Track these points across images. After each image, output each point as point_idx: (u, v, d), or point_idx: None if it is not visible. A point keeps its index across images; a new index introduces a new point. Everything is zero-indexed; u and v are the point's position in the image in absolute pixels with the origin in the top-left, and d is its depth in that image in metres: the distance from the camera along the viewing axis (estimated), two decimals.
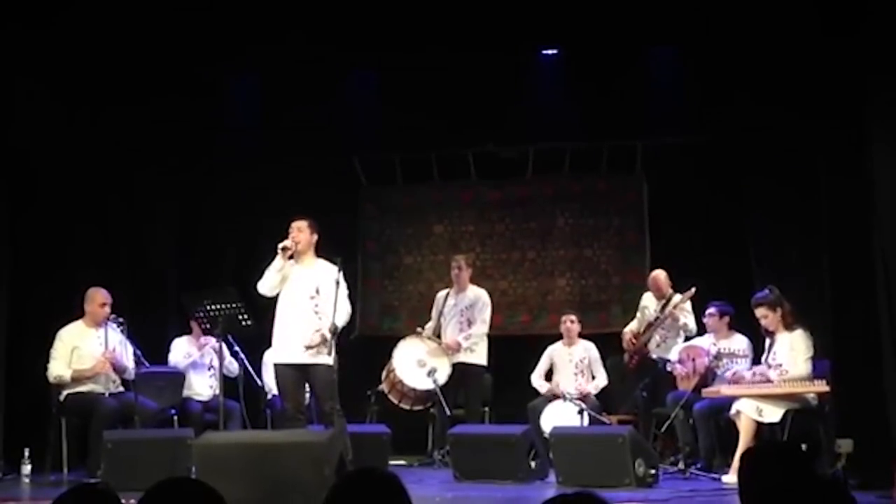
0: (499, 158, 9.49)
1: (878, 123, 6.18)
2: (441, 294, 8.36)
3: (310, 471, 5.41)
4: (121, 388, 7.20)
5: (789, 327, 6.78)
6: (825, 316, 6.62)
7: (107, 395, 7.11)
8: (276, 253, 6.39)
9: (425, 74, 8.69)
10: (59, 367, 7.07)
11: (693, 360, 7.49)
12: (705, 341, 7.55)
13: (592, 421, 7.58)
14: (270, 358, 7.07)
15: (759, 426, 6.55)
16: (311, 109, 8.93)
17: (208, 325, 6.82)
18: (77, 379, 7.07)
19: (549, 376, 8.36)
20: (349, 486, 2.45)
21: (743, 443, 6.45)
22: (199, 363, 7.95)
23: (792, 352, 6.72)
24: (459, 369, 7.91)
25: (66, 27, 7.52)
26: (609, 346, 8.45)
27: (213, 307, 6.57)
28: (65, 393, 7.09)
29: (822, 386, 6.53)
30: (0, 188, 7.50)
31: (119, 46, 7.87)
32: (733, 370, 7.08)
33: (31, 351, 7.36)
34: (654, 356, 8.03)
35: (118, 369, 7.17)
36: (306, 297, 6.36)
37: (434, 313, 8.28)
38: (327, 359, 6.24)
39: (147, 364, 7.49)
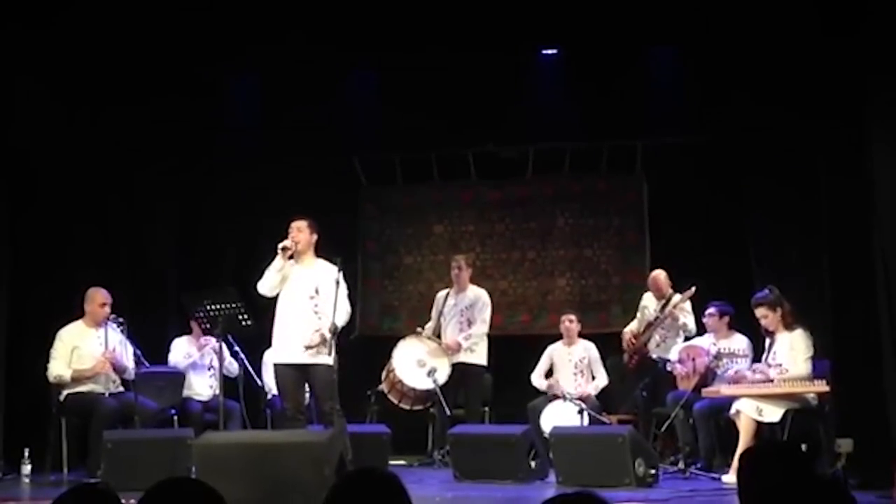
0: (499, 158, 9.49)
1: (878, 123, 6.17)
2: (441, 294, 8.35)
3: (310, 471, 5.41)
4: (121, 388, 7.20)
5: (789, 327, 6.78)
6: (825, 316, 6.62)
7: (107, 395, 7.10)
8: (276, 253, 6.38)
9: (425, 74, 8.69)
10: (59, 367, 7.06)
11: (693, 359, 7.48)
12: (705, 341, 7.55)
13: (592, 421, 7.58)
14: (270, 358, 7.07)
15: (759, 426, 6.54)
16: (311, 109, 8.92)
17: (208, 325, 6.82)
18: (77, 379, 7.07)
19: (548, 376, 8.35)
20: (349, 486, 2.45)
21: (743, 443, 6.44)
22: (199, 363, 7.95)
23: (792, 352, 6.72)
24: (459, 369, 7.91)
25: (66, 27, 7.52)
26: (609, 346, 8.45)
27: (213, 307, 6.57)
28: (65, 393, 7.09)
29: (822, 386, 6.52)
30: (0, 188, 7.50)
31: (119, 46, 7.87)
32: (734, 369, 7.08)
33: (31, 351, 7.36)
34: (653, 356, 8.03)
35: (118, 369, 7.17)
36: (306, 297, 6.36)
37: (434, 313, 8.27)
38: (327, 359, 6.24)
39: (147, 364, 7.49)
